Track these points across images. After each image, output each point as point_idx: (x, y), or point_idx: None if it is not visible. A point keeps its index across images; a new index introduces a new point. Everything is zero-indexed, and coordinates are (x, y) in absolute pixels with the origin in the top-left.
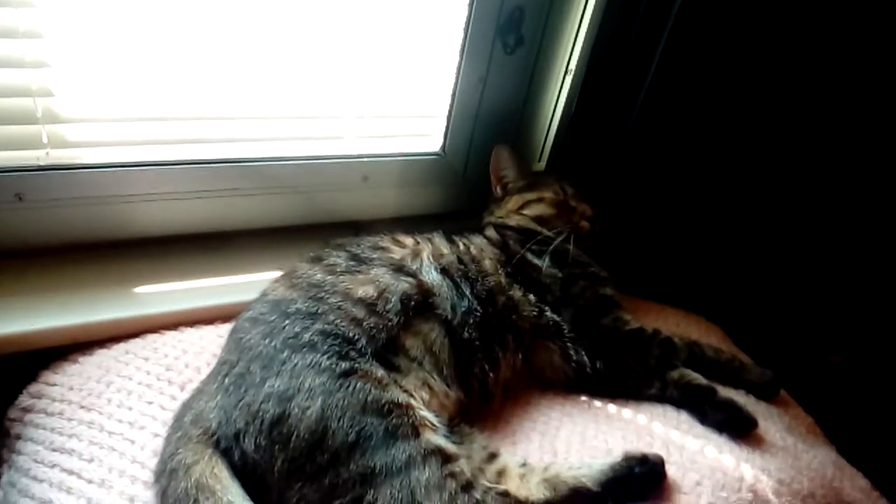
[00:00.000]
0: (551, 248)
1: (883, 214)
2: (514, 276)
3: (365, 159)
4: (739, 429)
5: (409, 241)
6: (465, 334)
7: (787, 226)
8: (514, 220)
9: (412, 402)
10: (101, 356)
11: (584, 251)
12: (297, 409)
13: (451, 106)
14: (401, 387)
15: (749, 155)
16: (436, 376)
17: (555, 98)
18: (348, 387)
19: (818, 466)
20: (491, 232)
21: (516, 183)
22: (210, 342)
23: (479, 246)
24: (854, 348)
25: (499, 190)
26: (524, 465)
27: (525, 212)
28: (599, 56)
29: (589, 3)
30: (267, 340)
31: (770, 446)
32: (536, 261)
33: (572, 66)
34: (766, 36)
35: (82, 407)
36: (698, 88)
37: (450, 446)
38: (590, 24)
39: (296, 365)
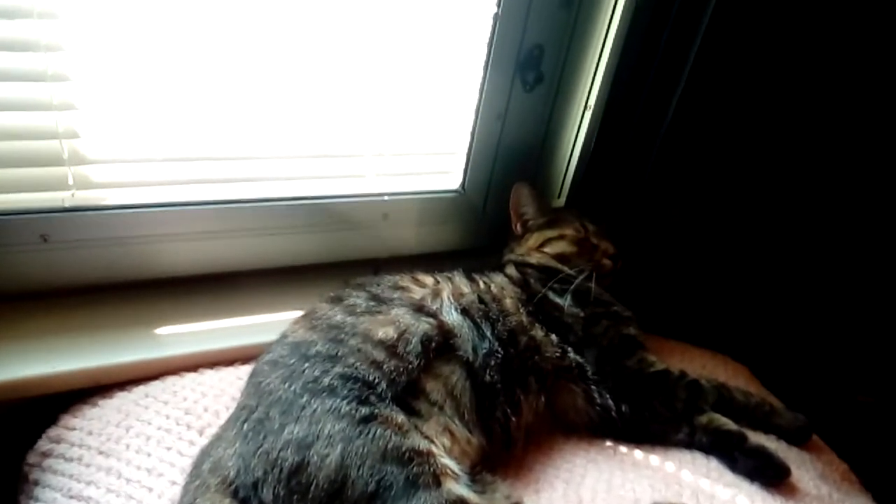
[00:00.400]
0: (573, 286)
1: None
2: (535, 316)
3: (385, 197)
4: (771, 477)
5: (429, 280)
6: (487, 377)
7: (814, 263)
8: (534, 258)
9: (433, 448)
10: (121, 399)
11: (607, 289)
12: (316, 457)
13: (471, 143)
14: (422, 433)
15: (772, 192)
16: (457, 421)
17: (574, 134)
18: (368, 433)
19: None
20: (511, 270)
21: (536, 220)
22: (230, 384)
23: (499, 284)
24: (885, 389)
25: (519, 227)
26: None
27: (546, 249)
28: (619, 93)
29: (608, 40)
30: (286, 384)
31: (804, 495)
32: (558, 300)
33: (591, 102)
34: (788, 74)
35: (101, 452)
36: (720, 124)
37: (472, 496)
38: (609, 61)
39: (315, 410)
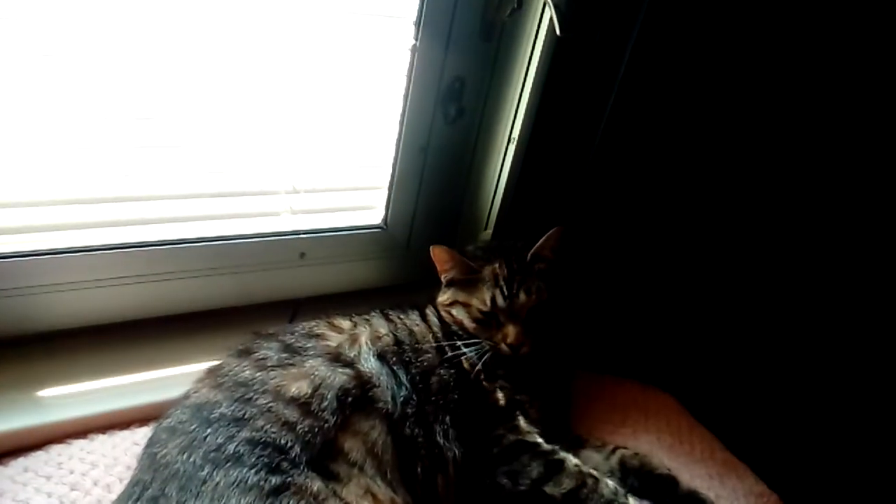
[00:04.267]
0: (471, 350)
1: (834, 287)
2: (444, 356)
3: (302, 236)
4: None
5: (346, 324)
6: (407, 429)
7: (740, 294)
8: (443, 313)
9: None
10: None
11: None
12: None
13: (393, 177)
14: (341, 499)
15: (697, 224)
16: (379, 481)
17: (499, 167)
18: None
19: None
20: (430, 311)
21: (456, 276)
22: (124, 451)
23: (415, 322)
24: (808, 412)
25: (443, 278)
26: None
27: (452, 311)
28: (542, 125)
29: (530, 73)
30: (185, 455)
31: None
32: (465, 349)
33: (515, 135)
34: (715, 102)
35: None
36: (644, 155)
37: None
38: (531, 94)
39: (218, 484)
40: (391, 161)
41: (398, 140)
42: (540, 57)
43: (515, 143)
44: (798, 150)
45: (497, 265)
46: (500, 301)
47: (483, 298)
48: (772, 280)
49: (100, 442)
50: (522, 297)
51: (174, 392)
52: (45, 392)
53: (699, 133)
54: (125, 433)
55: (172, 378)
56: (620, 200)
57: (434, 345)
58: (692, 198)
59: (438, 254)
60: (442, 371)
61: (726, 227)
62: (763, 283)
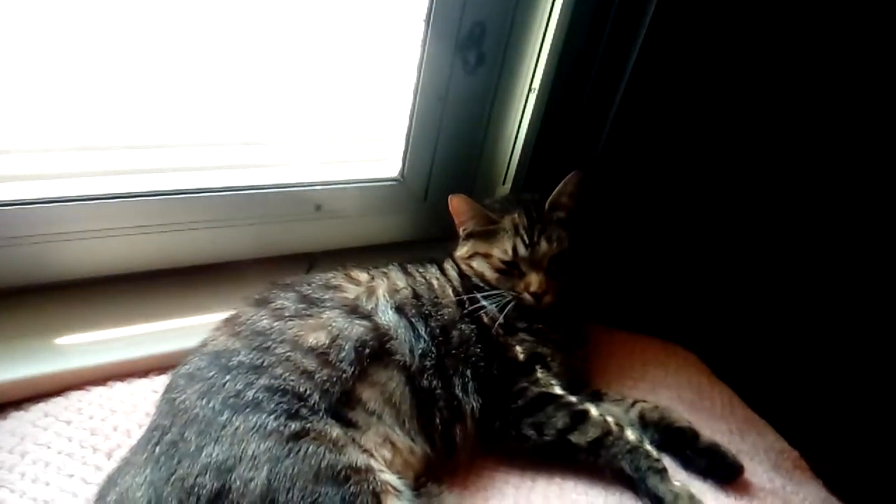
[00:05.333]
0: (492, 303)
1: (851, 246)
2: (464, 310)
3: (317, 187)
4: (724, 476)
5: (363, 276)
6: (425, 381)
7: (760, 249)
8: (463, 266)
9: (372, 463)
10: (16, 421)
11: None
12: (238, 482)
13: (410, 128)
14: (360, 446)
15: (723, 176)
16: (398, 430)
17: (519, 118)
18: (299, 451)
19: None
20: (449, 265)
21: (475, 228)
22: (143, 399)
23: (434, 276)
24: (828, 370)
25: (460, 231)
26: None
27: (472, 264)
28: (565, 73)
29: (552, 18)
30: (204, 401)
31: (758, 490)
32: (485, 302)
33: (536, 84)
34: (743, 48)
35: None
36: (670, 105)
37: None
38: (553, 41)
39: (237, 428)
40: (408, 112)
41: (416, 89)
42: (563, 1)
43: (536, 92)
44: (826, 109)
45: (517, 214)
46: (521, 250)
47: (504, 248)
48: (795, 237)
49: (119, 389)
50: (544, 245)
51: (191, 342)
52: (64, 339)
53: (732, 80)
54: (144, 381)
55: (189, 328)
56: (643, 153)
57: (454, 299)
58: (718, 151)
59: (457, 204)
60: (462, 326)
61: (754, 181)
62: (786, 240)
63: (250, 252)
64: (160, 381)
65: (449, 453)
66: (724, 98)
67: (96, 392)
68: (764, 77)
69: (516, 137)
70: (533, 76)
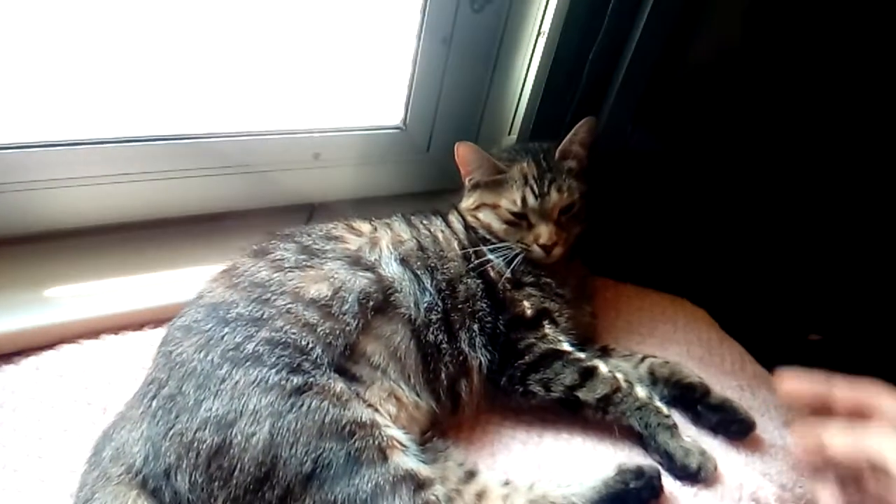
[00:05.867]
0: (499, 256)
1: (861, 195)
2: (470, 264)
3: (316, 134)
4: (736, 432)
5: (366, 227)
6: (431, 335)
7: (768, 206)
8: (469, 218)
9: (377, 418)
10: (6, 374)
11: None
12: (239, 437)
13: (413, 73)
14: (364, 401)
15: (734, 130)
16: (403, 385)
17: (526, 64)
18: (301, 406)
19: None
20: (454, 217)
21: (482, 178)
22: (138, 352)
23: (439, 228)
24: (833, 327)
25: (466, 181)
26: (507, 483)
27: (479, 215)
28: (576, 16)
29: None
30: (202, 354)
31: (769, 447)
32: (491, 255)
33: (545, 27)
34: None
35: None
36: (687, 54)
37: (422, 469)
38: None
39: (237, 382)
40: (412, 56)
41: (419, 30)
42: None
43: (546, 36)
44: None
45: (526, 163)
46: (530, 200)
47: (513, 198)
48: (807, 193)
49: (112, 342)
50: (554, 195)
51: (186, 294)
52: (55, 291)
53: (755, 25)
54: (138, 334)
55: (184, 280)
56: (655, 103)
57: (459, 252)
58: (736, 98)
59: (464, 152)
60: (468, 280)
61: (769, 129)
62: (799, 195)
63: (247, 201)
64: (155, 335)
65: (454, 409)
66: (745, 47)
67: (89, 346)
68: (783, 29)
69: (523, 84)
70: (542, 18)
